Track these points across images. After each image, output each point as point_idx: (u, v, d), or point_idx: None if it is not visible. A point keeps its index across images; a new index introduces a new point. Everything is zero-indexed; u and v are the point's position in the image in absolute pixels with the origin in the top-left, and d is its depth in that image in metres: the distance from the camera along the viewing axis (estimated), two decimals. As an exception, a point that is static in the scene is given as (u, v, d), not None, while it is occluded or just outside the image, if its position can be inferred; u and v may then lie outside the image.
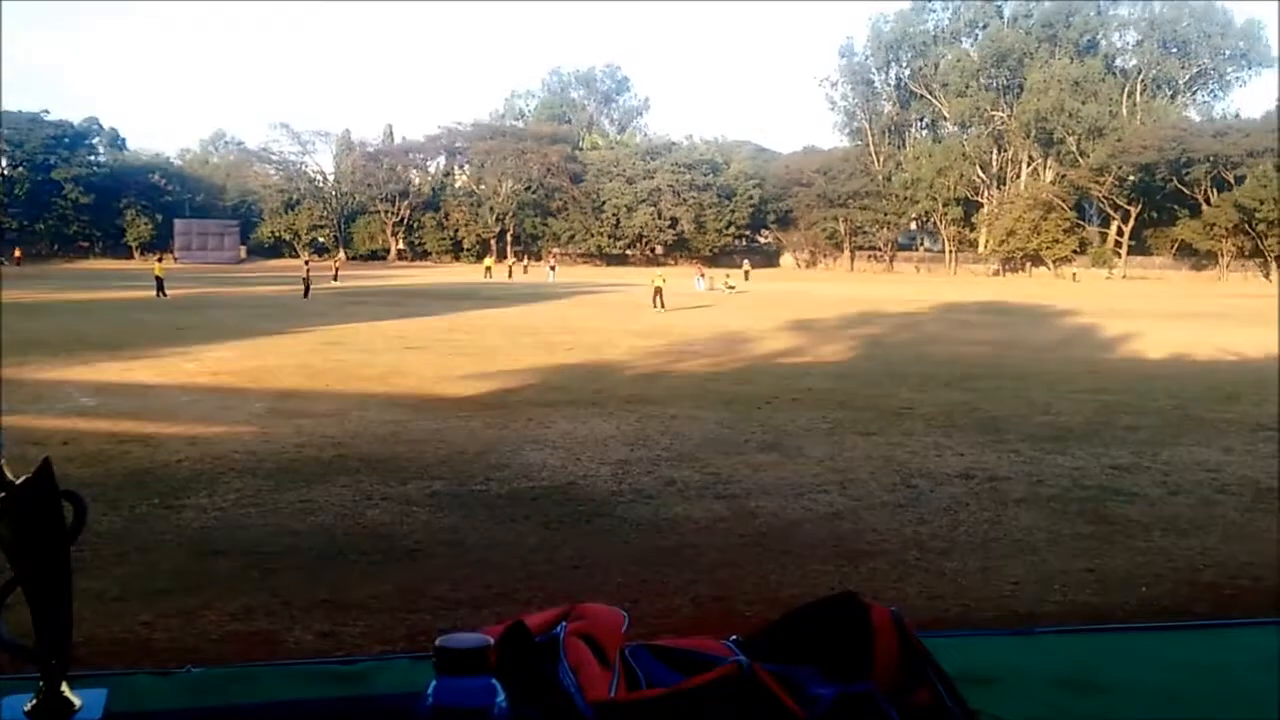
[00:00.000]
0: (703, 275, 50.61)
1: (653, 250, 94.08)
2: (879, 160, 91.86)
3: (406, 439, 11.00)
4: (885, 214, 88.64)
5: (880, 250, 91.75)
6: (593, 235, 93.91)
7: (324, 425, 11.68)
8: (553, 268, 64.20)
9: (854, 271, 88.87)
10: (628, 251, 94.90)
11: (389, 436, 11.13)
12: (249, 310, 31.70)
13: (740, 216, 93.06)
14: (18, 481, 1.04)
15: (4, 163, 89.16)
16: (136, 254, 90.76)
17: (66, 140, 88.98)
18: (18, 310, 29.05)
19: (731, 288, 47.83)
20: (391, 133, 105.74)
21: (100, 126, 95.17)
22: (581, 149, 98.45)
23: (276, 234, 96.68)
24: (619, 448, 10.66)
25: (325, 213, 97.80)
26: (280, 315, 29.39)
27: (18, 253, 78.00)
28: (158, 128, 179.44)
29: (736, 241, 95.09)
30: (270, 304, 35.41)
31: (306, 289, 38.80)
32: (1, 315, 24.67)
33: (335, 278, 52.75)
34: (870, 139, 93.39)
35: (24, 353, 18.23)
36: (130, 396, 13.91)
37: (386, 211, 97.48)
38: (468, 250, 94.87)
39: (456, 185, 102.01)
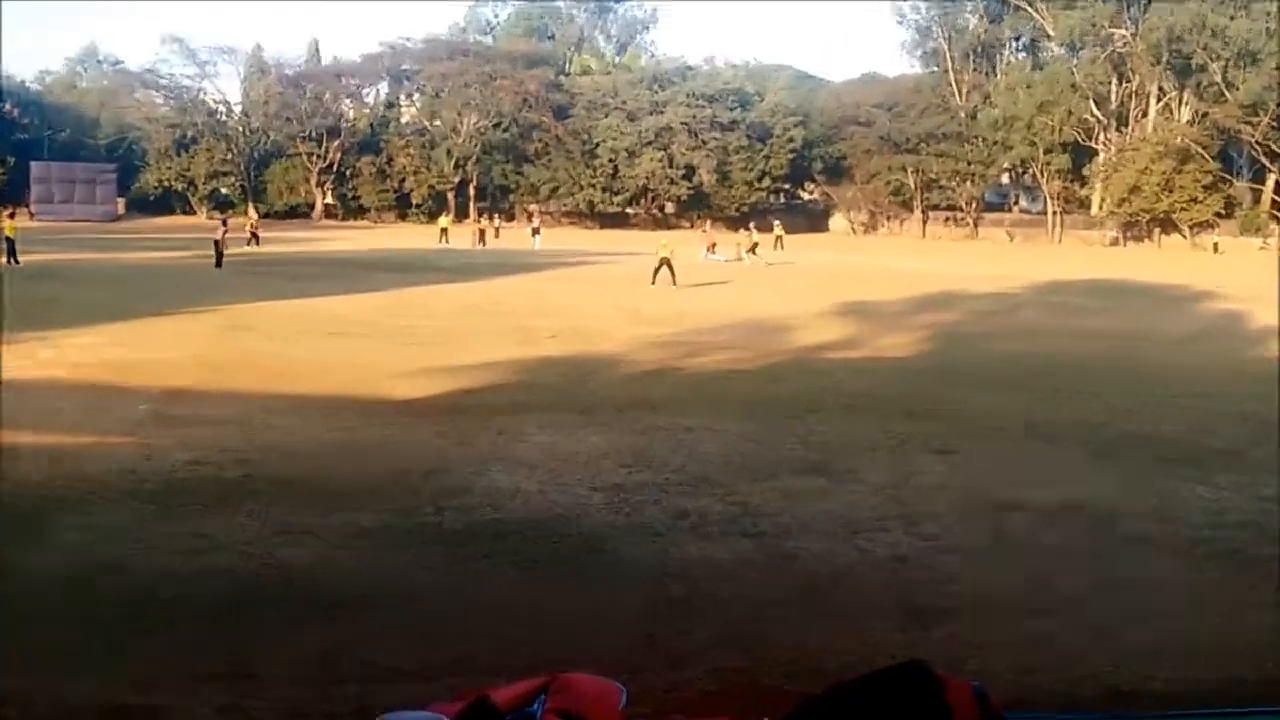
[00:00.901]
0: (714, 247, 50.15)
1: (661, 209, 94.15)
2: (961, 92, 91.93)
3: (335, 454, 11.14)
4: (969, 163, 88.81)
5: (962, 211, 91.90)
6: (582, 188, 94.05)
7: (226, 435, 11.79)
8: (536, 231, 63.89)
9: (926, 239, 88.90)
10: (628, 210, 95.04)
11: (312, 451, 11.27)
12: (129, 283, 31.61)
13: (777, 165, 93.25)
14: None
15: None
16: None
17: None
18: None
19: (753, 250, 47.44)
20: (317, 51, 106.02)
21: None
22: (568, 74, 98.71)
23: (165, 183, 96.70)
24: (615, 468, 10.81)
25: (230, 155, 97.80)
26: (170, 290, 29.37)
27: None
28: (8, 43, 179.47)
29: (772, 198, 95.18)
30: (158, 275, 35.31)
31: (219, 257, 38.63)
32: None
33: (252, 240, 52.75)
34: (950, 64, 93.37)
35: None
36: None
37: (310, 155, 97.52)
38: (418, 207, 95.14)
39: (403, 121, 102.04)
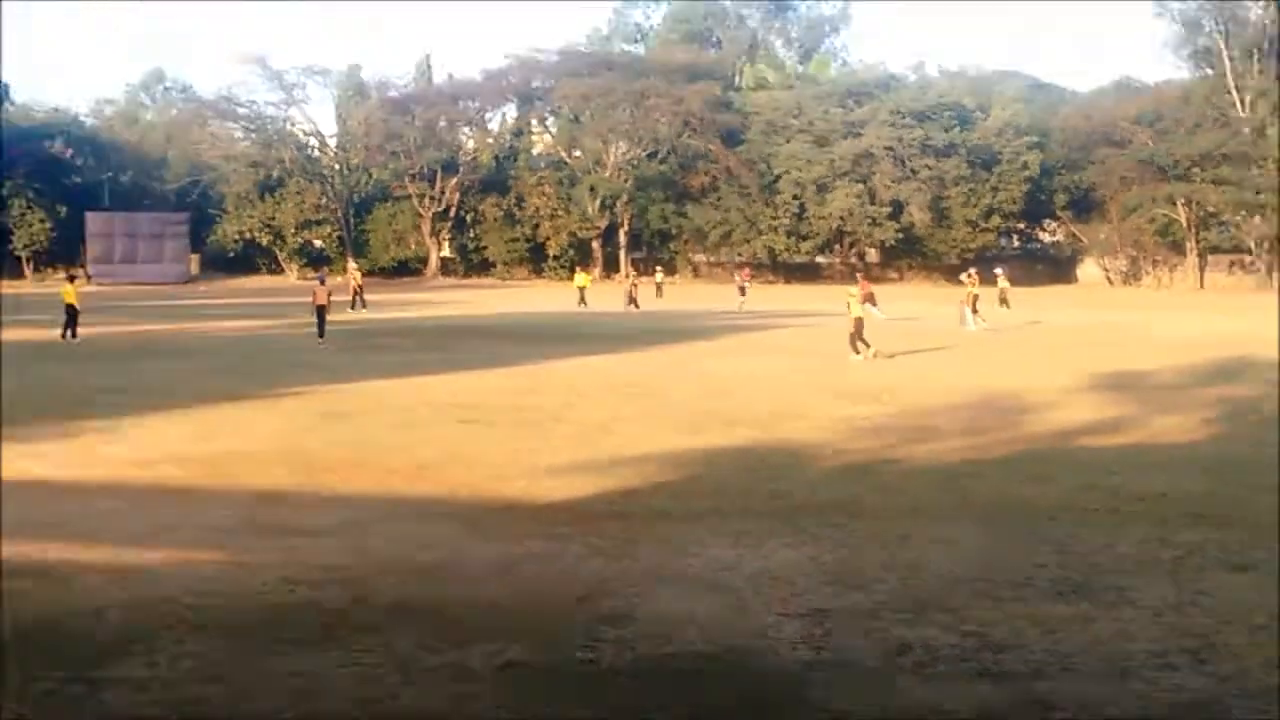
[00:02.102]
0: (872, 299, 48.27)
1: (861, 256, 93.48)
2: (1245, 101, 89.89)
3: (463, 573, 11.29)
4: (1257, 191, 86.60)
5: (1251, 254, 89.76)
6: (761, 232, 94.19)
7: (328, 549, 12.07)
8: (743, 289, 63.90)
9: (1205, 290, 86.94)
10: (819, 259, 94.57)
11: (433, 569, 11.42)
12: (208, 359, 32.75)
13: (1008, 199, 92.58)
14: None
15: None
16: (28, 268, 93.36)
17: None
18: None
19: (975, 307, 46.31)
20: (429, 68, 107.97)
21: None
22: (740, 89, 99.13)
23: (247, 234, 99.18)
24: (816, 589, 10.86)
25: (325, 200, 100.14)
26: (256, 367, 30.34)
27: None
28: (59, 68, 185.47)
29: (1003, 240, 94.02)
30: (242, 349, 36.32)
31: (321, 325, 39.50)
32: None
33: (357, 304, 54.28)
34: (1228, 65, 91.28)
35: None
36: (24, 502, 14.30)
37: (422, 197, 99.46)
38: (555, 259, 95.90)
39: (535, 153, 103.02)
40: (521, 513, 13.80)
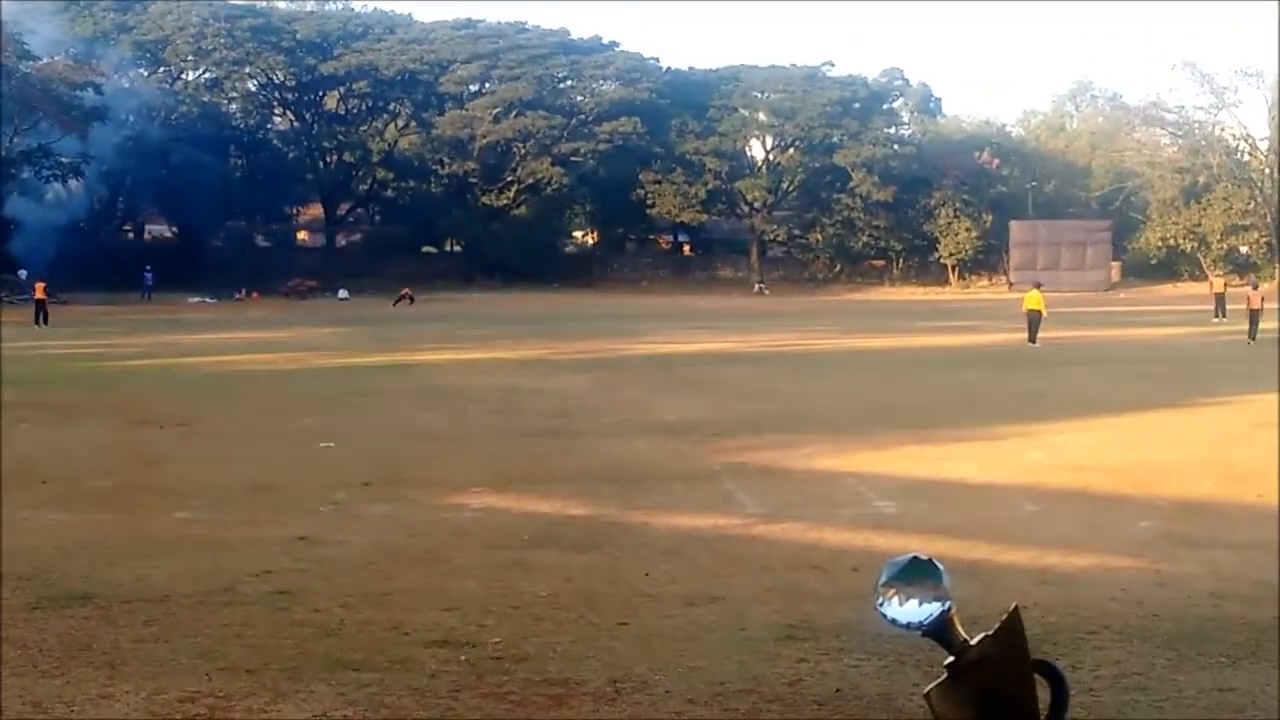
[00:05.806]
0: None
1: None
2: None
3: None
4: None
5: None
6: None
7: (1252, 563, 11.81)
8: None
9: None
10: None
11: None
12: (1128, 367, 33.14)
13: None
14: (974, 641, 1.10)
15: (769, 144, 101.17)
16: (953, 275, 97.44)
17: (857, 105, 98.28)
18: (769, 363, 33.72)
19: None
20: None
21: (905, 81, 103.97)
22: None
23: (1170, 241, 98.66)
24: None
25: (1254, 204, 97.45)
26: (1178, 376, 30.37)
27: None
28: (992, 82, 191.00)
29: None
30: (1166, 356, 36.69)
31: (1254, 327, 40.43)
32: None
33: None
34: None
35: (788, 428, 20.83)
36: (945, 501, 15.14)
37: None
38: None
39: None
40: None
